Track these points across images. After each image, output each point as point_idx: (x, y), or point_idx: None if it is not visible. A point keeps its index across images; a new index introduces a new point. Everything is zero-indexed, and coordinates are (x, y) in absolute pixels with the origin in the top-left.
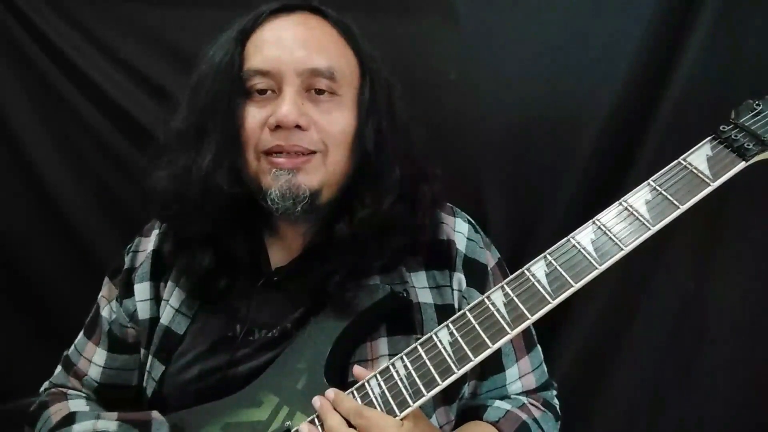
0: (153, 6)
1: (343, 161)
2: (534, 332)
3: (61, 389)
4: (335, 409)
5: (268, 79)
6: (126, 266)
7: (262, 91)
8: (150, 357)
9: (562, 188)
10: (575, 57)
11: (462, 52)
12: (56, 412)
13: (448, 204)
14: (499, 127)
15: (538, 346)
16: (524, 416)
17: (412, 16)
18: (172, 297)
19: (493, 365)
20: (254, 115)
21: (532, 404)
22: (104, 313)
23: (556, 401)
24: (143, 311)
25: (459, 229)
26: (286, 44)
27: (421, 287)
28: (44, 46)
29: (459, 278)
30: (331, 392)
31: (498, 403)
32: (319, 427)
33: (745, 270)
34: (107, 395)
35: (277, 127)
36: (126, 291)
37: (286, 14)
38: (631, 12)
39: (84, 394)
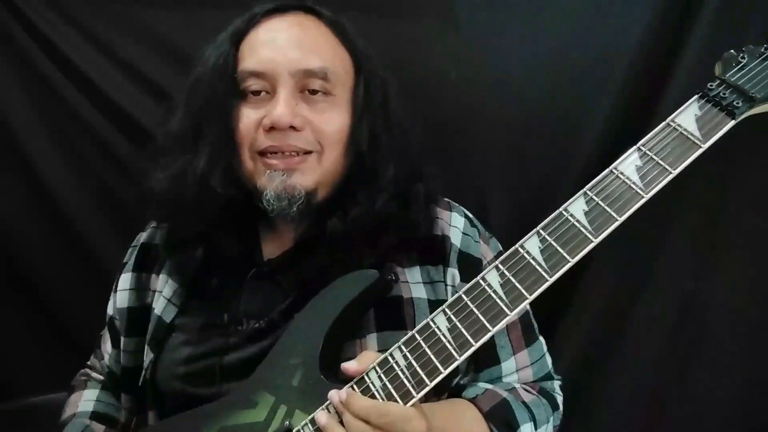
0: (153, 6)
1: (338, 160)
2: (536, 325)
3: (88, 371)
4: (349, 410)
5: (262, 80)
6: (124, 261)
7: (257, 93)
8: (146, 346)
9: (563, 188)
10: (575, 56)
11: (462, 52)
12: (71, 404)
13: (444, 198)
14: (500, 125)
15: (541, 339)
16: (505, 394)
17: (412, 16)
18: (165, 288)
19: (488, 358)
20: (249, 116)
21: (525, 389)
22: (108, 308)
23: (557, 392)
24: (122, 300)
25: (455, 224)
26: (279, 45)
27: (414, 282)
28: (44, 46)
29: (453, 273)
30: (343, 393)
31: (481, 384)
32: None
33: (746, 270)
34: (115, 379)
35: (272, 128)
36: (116, 284)
37: (280, 15)
38: (631, 12)
39: (101, 378)
